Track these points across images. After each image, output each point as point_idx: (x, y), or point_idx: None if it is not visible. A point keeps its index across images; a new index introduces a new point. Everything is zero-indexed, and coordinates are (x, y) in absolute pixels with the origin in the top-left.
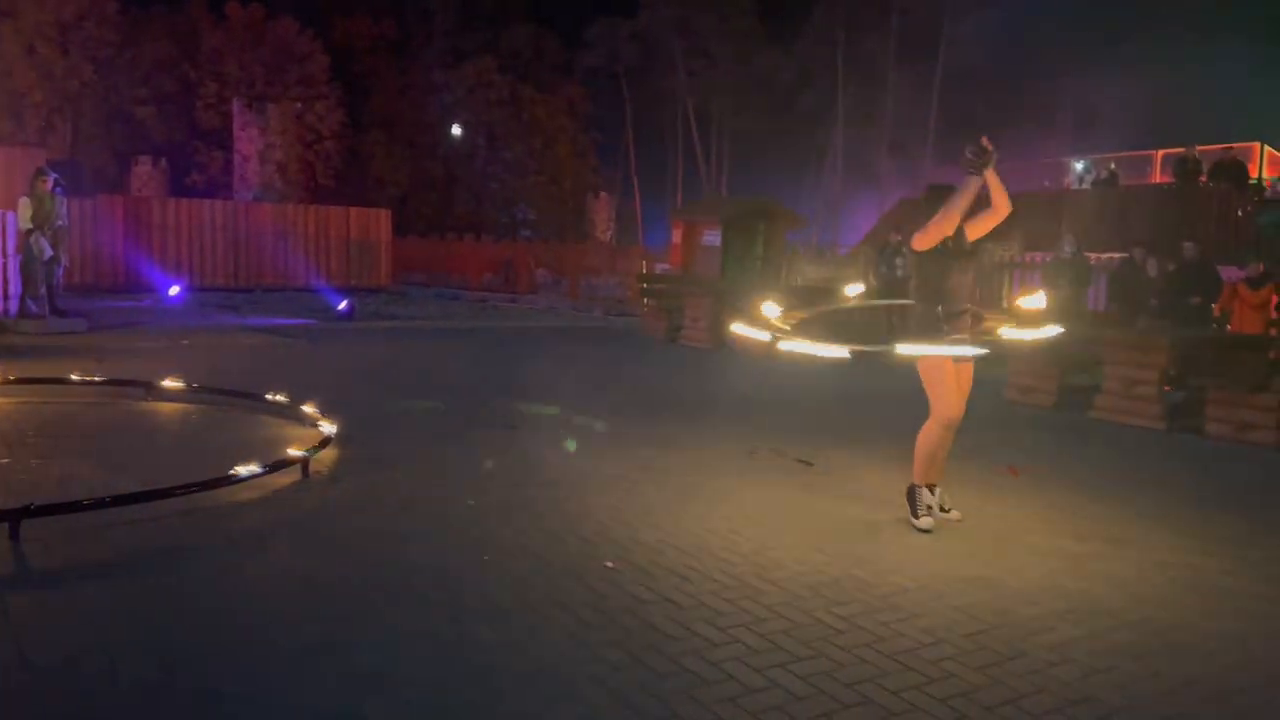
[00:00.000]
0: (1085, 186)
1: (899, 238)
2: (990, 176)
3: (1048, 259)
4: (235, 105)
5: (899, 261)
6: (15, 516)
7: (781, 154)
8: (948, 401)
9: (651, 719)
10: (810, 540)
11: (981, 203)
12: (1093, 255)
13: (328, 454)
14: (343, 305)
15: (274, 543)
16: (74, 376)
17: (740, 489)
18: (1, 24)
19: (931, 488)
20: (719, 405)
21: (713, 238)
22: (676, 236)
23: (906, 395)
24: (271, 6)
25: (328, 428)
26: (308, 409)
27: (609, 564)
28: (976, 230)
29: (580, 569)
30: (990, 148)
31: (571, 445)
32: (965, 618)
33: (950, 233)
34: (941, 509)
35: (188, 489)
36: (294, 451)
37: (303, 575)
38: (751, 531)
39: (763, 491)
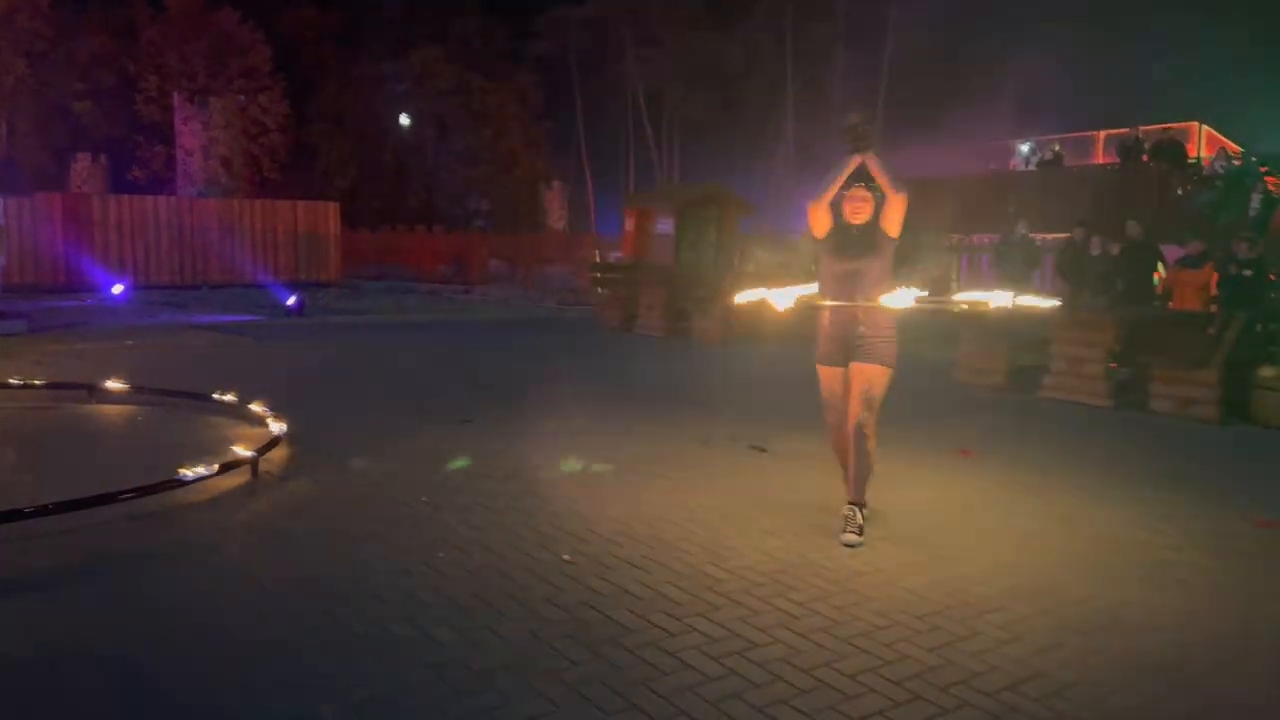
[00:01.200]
0: (1030, 168)
1: None
2: (872, 161)
3: (996, 241)
4: (176, 99)
5: None
6: None
7: (732, 141)
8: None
9: (611, 712)
10: (764, 527)
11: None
12: (1039, 236)
13: (278, 453)
14: (292, 301)
15: (225, 545)
16: (14, 380)
17: (695, 478)
18: None
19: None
20: (674, 394)
21: (665, 225)
22: (629, 224)
23: None
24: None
25: (277, 426)
26: (256, 408)
27: (566, 557)
28: (889, 222)
29: (537, 563)
30: (859, 123)
31: (525, 439)
32: (917, 599)
33: (820, 216)
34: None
35: (135, 493)
36: (242, 451)
37: (254, 577)
38: (706, 519)
39: (717, 480)
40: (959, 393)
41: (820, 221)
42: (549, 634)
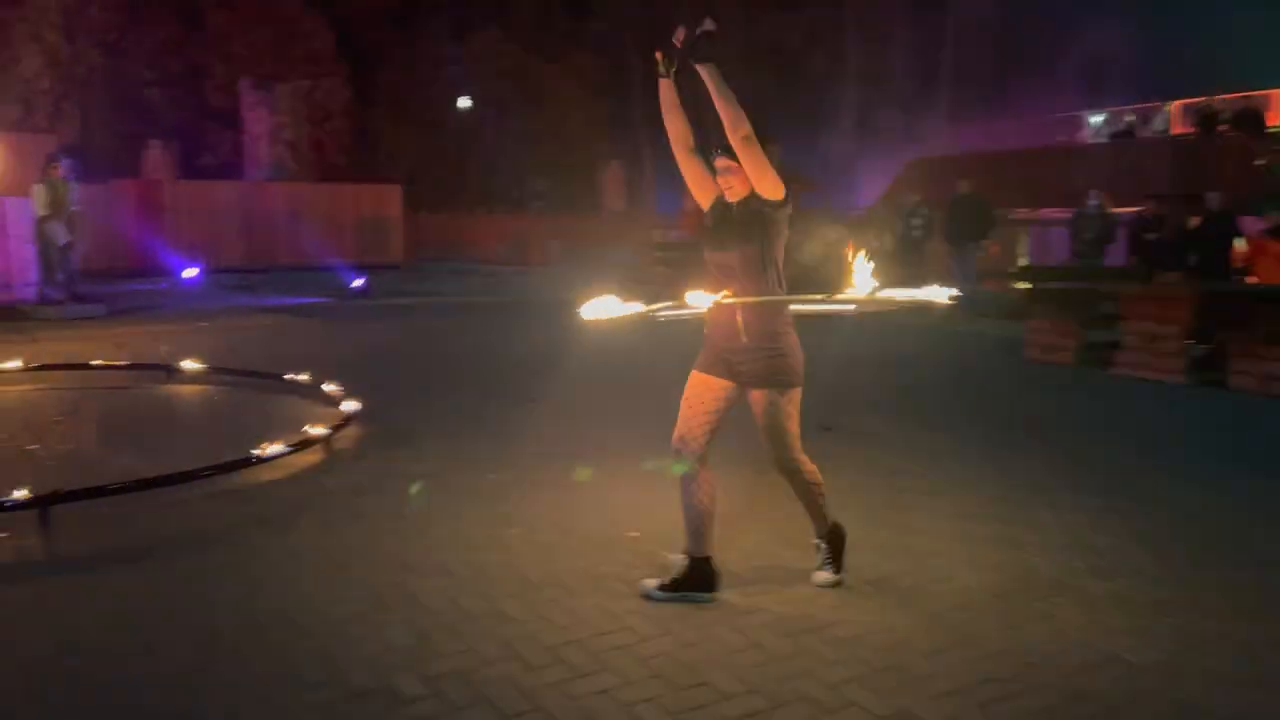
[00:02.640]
0: (1102, 140)
1: (918, 197)
2: (710, 76)
3: (1068, 215)
4: (243, 85)
5: (916, 222)
6: (45, 503)
7: (791, 117)
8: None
9: (681, 686)
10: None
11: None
12: (1113, 210)
13: (350, 432)
14: (358, 282)
15: (301, 522)
16: (96, 361)
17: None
18: (7, 12)
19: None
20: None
21: None
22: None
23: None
24: None
25: (349, 405)
26: (328, 387)
27: (633, 534)
28: (759, 183)
29: (605, 540)
30: (704, 30)
31: (589, 417)
32: (994, 579)
33: (697, 174)
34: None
35: (213, 471)
36: (316, 430)
37: (330, 553)
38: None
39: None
40: (1028, 370)
41: (700, 184)
42: (619, 608)
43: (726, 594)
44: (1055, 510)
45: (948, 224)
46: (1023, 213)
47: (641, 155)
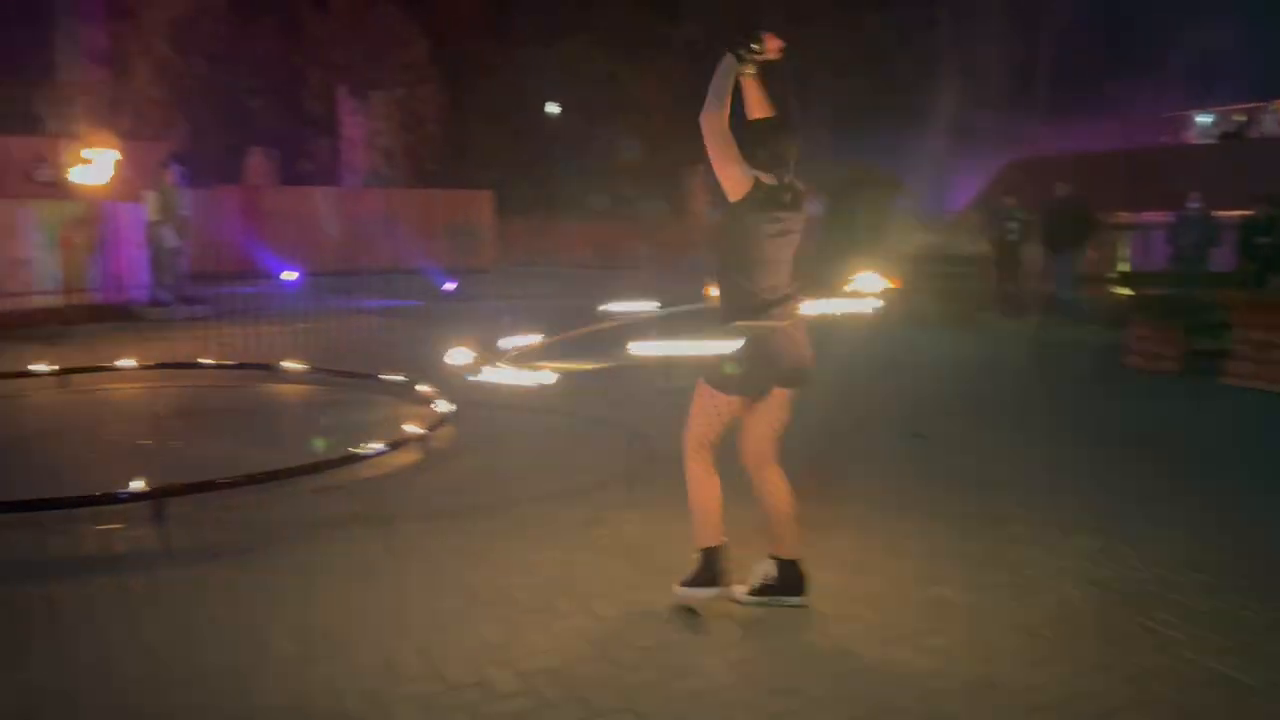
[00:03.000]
0: (1209, 140)
1: (1012, 200)
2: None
3: (1170, 218)
4: (340, 93)
5: (1012, 225)
6: (160, 496)
7: (882, 117)
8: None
9: (773, 691)
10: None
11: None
12: (1218, 213)
13: (445, 431)
14: (449, 286)
15: (399, 518)
16: (203, 360)
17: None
18: (122, 24)
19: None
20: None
21: (815, 207)
22: None
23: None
24: None
25: (443, 406)
26: (424, 388)
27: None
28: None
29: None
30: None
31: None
32: (1093, 592)
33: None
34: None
35: (316, 468)
36: (413, 429)
37: (427, 549)
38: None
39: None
40: (1129, 378)
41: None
42: (709, 611)
43: (818, 601)
44: (1157, 524)
45: (1045, 228)
46: (1124, 216)
47: None
